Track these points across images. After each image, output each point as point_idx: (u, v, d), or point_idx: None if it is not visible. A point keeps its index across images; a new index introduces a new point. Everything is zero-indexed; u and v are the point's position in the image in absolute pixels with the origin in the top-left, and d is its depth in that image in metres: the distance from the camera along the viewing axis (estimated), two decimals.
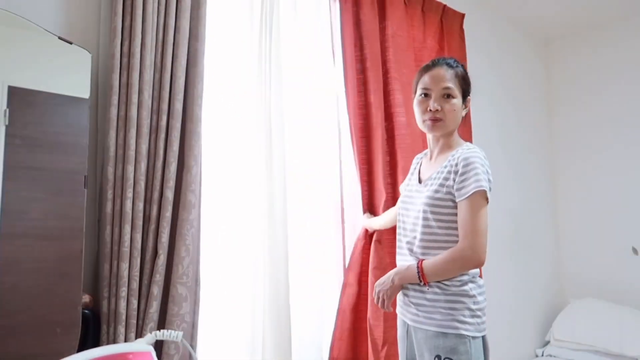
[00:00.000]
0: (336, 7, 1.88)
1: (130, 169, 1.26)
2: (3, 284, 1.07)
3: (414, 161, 1.56)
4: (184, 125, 1.38)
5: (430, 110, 1.34)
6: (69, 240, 1.17)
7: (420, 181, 1.42)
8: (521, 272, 2.86)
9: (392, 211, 1.69)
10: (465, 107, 1.40)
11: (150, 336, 1.03)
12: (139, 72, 1.29)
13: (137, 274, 1.25)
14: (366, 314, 1.75)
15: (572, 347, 2.69)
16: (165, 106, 1.34)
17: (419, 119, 1.39)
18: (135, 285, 1.24)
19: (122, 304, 1.21)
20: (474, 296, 1.25)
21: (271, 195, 1.59)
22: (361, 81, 1.88)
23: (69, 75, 1.23)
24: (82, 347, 1.14)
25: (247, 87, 1.63)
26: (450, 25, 2.36)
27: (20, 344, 1.08)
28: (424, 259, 1.29)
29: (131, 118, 1.27)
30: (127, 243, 1.23)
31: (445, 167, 1.32)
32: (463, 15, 2.44)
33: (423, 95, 1.37)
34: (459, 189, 1.26)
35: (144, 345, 1.01)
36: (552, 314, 3.02)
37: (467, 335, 1.21)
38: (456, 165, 1.28)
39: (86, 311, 1.19)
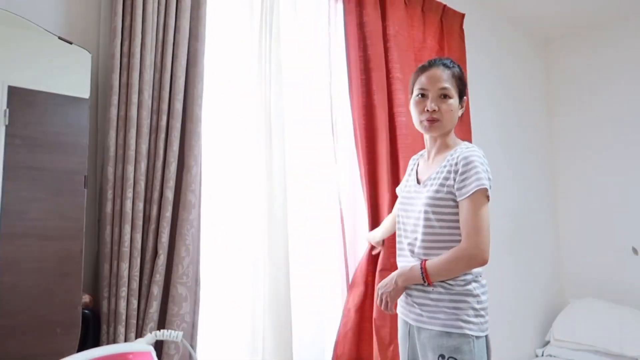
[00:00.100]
0: (339, 7, 1.88)
1: (130, 169, 1.26)
2: (3, 284, 1.07)
3: (410, 162, 1.56)
4: (184, 125, 1.38)
5: (428, 110, 1.34)
6: (69, 240, 1.17)
7: (418, 182, 1.42)
8: (521, 272, 2.86)
9: (390, 217, 1.69)
10: (462, 107, 1.40)
11: (150, 336, 1.03)
12: (139, 72, 1.29)
13: (137, 274, 1.25)
14: (371, 314, 1.76)
15: (572, 347, 2.69)
16: (165, 106, 1.34)
17: (416, 120, 1.39)
18: (135, 285, 1.24)
19: (122, 304, 1.21)
20: (477, 295, 1.25)
21: (271, 195, 1.59)
22: (365, 82, 1.89)
23: (69, 75, 1.23)
24: (82, 347, 1.14)
25: (247, 87, 1.63)
26: (450, 25, 2.36)
27: (20, 344, 1.08)
28: (426, 260, 1.29)
29: (131, 118, 1.27)
30: (127, 243, 1.23)
31: (445, 166, 1.31)
32: (463, 15, 2.44)
33: (420, 96, 1.37)
34: (459, 188, 1.26)
35: (144, 345, 1.01)
36: (552, 314, 3.02)
37: (471, 335, 1.21)
38: (456, 164, 1.28)
39: (86, 311, 1.19)
